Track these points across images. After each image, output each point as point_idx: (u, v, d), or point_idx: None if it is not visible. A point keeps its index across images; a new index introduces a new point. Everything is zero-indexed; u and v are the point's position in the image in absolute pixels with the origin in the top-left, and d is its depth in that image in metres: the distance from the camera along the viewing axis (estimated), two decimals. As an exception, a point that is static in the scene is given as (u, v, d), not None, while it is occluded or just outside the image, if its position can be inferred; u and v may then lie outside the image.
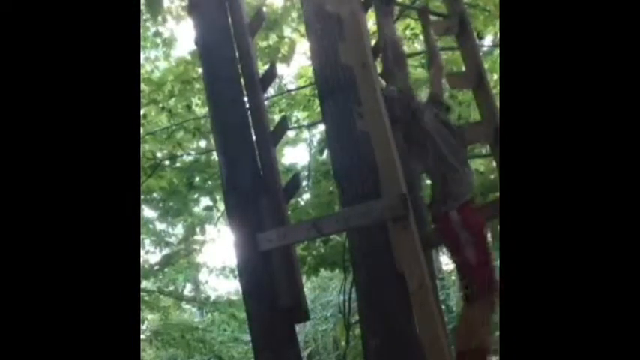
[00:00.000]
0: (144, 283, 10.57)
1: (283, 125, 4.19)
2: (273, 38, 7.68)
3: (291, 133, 9.27)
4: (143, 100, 7.62)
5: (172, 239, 11.01)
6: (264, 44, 7.57)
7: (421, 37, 8.27)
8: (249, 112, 4.01)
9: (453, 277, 10.36)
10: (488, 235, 3.61)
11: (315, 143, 8.78)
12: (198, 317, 15.26)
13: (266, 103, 5.39)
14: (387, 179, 3.14)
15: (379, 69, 4.02)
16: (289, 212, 4.62)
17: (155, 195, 8.52)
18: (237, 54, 4.09)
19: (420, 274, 2.94)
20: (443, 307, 9.23)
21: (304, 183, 7.51)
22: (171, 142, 8.07)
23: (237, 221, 3.72)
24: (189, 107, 8.07)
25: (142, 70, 7.81)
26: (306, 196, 7.95)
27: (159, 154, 8.19)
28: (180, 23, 7.99)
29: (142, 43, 7.75)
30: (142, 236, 9.63)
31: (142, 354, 11.12)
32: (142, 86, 7.56)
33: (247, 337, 6.58)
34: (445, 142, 3.50)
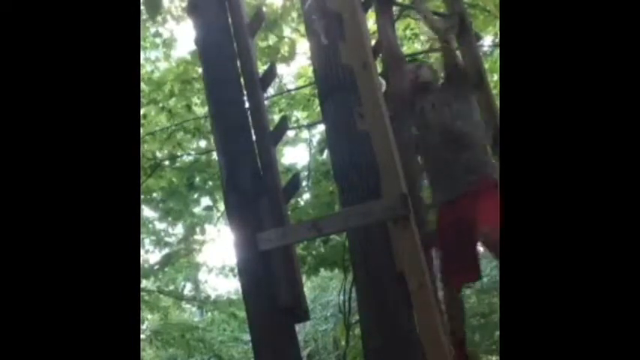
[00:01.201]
0: (144, 283, 10.55)
1: (283, 125, 4.18)
2: (273, 38, 7.67)
3: (291, 133, 9.26)
4: (143, 100, 7.61)
5: (172, 239, 10.99)
6: (264, 44, 7.56)
7: (421, 37, 8.28)
8: (249, 112, 4.01)
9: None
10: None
11: (315, 143, 8.76)
12: (198, 317, 15.22)
13: (266, 103, 5.39)
14: (387, 179, 3.14)
15: (379, 69, 4.02)
16: (289, 212, 4.62)
17: (155, 195, 8.52)
18: (237, 54, 4.09)
19: (420, 274, 2.94)
20: (443, 307, 9.21)
21: (304, 183, 7.50)
22: (171, 142, 8.07)
23: (237, 221, 3.72)
24: (189, 107, 8.07)
25: (142, 71, 7.80)
26: (306, 196, 7.95)
27: (159, 154, 8.19)
28: (180, 23, 7.99)
29: (142, 44, 7.74)
30: (142, 236, 9.62)
31: (142, 354, 11.10)
32: (142, 86, 7.56)
33: (247, 337, 6.58)
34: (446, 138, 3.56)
